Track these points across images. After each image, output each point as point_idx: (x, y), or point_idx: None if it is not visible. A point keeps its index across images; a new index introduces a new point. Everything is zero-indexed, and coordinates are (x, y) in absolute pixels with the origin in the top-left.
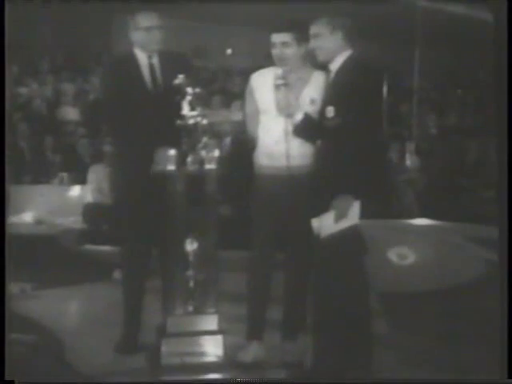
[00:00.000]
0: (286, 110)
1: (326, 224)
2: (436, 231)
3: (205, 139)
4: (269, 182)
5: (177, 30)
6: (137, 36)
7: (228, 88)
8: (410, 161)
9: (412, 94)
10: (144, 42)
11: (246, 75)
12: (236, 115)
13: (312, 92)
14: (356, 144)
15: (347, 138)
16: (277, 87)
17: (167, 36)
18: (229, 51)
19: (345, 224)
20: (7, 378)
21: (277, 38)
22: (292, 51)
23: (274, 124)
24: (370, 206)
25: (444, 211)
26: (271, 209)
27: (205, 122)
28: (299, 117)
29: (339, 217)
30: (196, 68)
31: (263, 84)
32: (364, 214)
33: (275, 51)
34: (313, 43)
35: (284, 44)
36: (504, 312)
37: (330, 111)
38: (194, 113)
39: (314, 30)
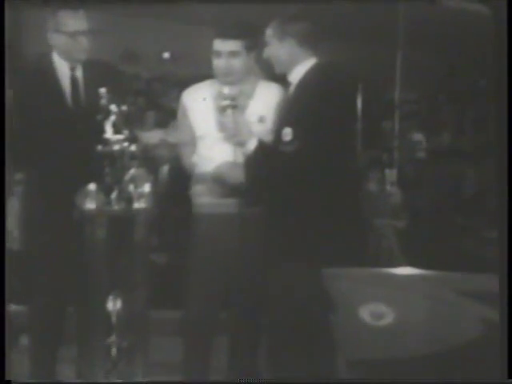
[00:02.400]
0: (234, 138)
1: None
2: (422, 283)
3: (133, 170)
4: (211, 223)
5: (107, 31)
6: (58, 40)
7: (164, 102)
8: (391, 193)
9: (394, 109)
10: (67, 50)
11: (187, 86)
12: (175, 136)
13: (260, 108)
14: (322, 174)
15: (310, 167)
16: (222, 109)
17: (95, 41)
18: (166, 55)
19: None
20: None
21: (223, 45)
22: (241, 62)
23: (218, 153)
24: (338, 252)
25: (433, 258)
26: (214, 257)
27: (133, 147)
28: (252, 145)
29: None
30: (124, 77)
31: (200, 103)
32: (331, 262)
33: (219, 62)
34: (266, 52)
35: (232, 54)
36: (504, 312)
37: (288, 134)
38: (120, 136)
39: (266, 36)
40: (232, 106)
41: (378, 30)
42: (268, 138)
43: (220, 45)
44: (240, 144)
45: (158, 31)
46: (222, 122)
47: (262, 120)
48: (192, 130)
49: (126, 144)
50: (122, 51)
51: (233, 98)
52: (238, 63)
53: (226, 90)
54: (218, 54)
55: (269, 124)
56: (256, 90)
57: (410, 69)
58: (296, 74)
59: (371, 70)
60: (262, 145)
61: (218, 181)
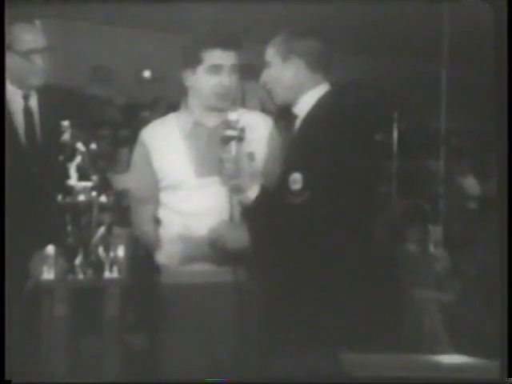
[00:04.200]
0: (233, 181)
1: None
2: (474, 376)
3: (103, 228)
4: (192, 296)
5: (71, 46)
6: (9, 61)
7: None
8: (435, 256)
9: (438, 143)
10: (19, 73)
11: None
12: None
13: (246, 142)
14: (342, 232)
15: (326, 224)
16: (225, 141)
17: (55, 61)
18: (146, 74)
19: None
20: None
21: (224, 57)
22: (236, 82)
23: (197, 204)
24: (364, 334)
25: (489, 343)
26: (203, 341)
27: (104, 198)
28: (253, 192)
29: None
30: (94, 104)
31: (170, 141)
32: (355, 347)
33: (218, 80)
34: (265, 76)
35: (234, 69)
36: (504, 311)
37: (296, 181)
38: (87, 183)
39: (266, 55)
40: (238, 139)
41: (415, 42)
42: (267, 183)
43: (220, 56)
44: (238, 190)
45: (135, 43)
46: (222, 159)
47: (251, 158)
48: (155, 179)
49: (94, 193)
50: (89, 71)
51: (241, 129)
52: (234, 82)
53: (234, 116)
54: (217, 68)
55: (259, 163)
56: (240, 120)
57: (460, 90)
58: (303, 105)
59: (409, 92)
60: (265, 192)
61: (215, 247)
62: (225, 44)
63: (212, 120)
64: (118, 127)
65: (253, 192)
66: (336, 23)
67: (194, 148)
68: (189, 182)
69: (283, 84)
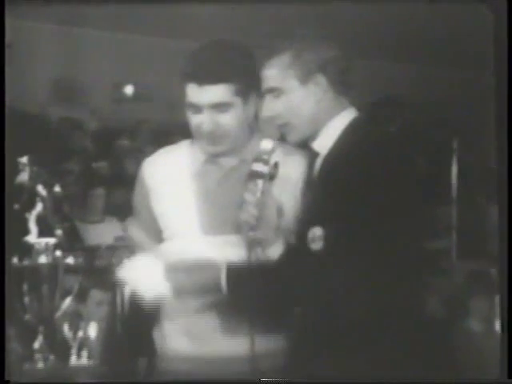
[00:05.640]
0: (252, 232)
1: None
2: None
3: (69, 299)
4: None
5: (27, 51)
6: None
7: (127, 170)
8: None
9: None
10: None
11: (163, 141)
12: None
13: (278, 193)
14: (380, 308)
15: (361, 300)
16: (251, 177)
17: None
18: (128, 90)
19: None
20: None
21: (201, 95)
22: (234, 120)
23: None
24: None
25: None
26: None
27: (71, 259)
28: (276, 250)
29: None
30: (59, 131)
31: (176, 178)
32: None
33: (200, 119)
34: (270, 105)
35: (218, 107)
36: (504, 311)
37: (316, 238)
38: (50, 240)
39: (268, 77)
40: (269, 177)
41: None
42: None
43: (196, 94)
44: (257, 244)
45: (113, 49)
46: (244, 201)
47: (280, 213)
48: (156, 224)
49: (59, 253)
50: (52, 85)
51: (275, 165)
52: (230, 120)
53: (269, 146)
54: (196, 108)
55: (289, 219)
56: (275, 151)
57: None
58: (325, 139)
59: (470, 113)
60: (290, 253)
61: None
62: (199, 77)
63: (229, 159)
64: (89, 160)
65: (276, 250)
66: (350, 26)
67: (204, 192)
68: (192, 239)
69: (303, 114)
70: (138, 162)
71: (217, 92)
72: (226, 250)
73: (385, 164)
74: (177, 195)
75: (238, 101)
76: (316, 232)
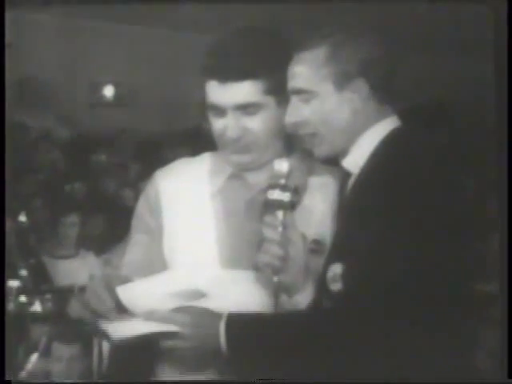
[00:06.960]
0: (275, 274)
1: None
2: None
3: (34, 356)
4: None
5: None
6: None
7: (107, 191)
8: None
9: None
10: None
11: (149, 156)
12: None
13: (305, 222)
14: (419, 368)
15: (396, 359)
16: (268, 207)
17: None
18: (108, 92)
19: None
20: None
21: (225, 94)
22: (267, 124)
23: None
24: None
25: None
26: None
27: (38, 306)
28: (306, 298)
29: None
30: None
31: (192, 196)
32: None
33: (224, 123)
34: (295, 110)
35: (245, 109)
36: (504, 310)
37: (337, 277)
38: (13, 283)
39: (297, 75)
40: (291, 205)
41: None
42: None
43: (220, 94)
44: (283, 291)
45: (90, 41)
46: (264, 239)
47: (316, 248)
48: (160, 251)
49: (24, 298)
50: (14, 85)
51: (295, 190)
52: (259, 125)
53: (284, 167)
54: (219, 110)
55: (325, 254)
56: (307, 188)
57: None
58: (358, 155)
59: None
60: (317, 303)
61: None
62: (223, 73)
63: (258, 176)
64: (60, 179)
65: (305, 297)
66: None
67: (225, 215)
68: (210, 273)
69: (334, 124)
70: (119, 182)
71: (242, 90)
72: (249, 289)
73: (433, 184)
74: (193, 216)
75: (270, 101)
76: (336, 269)
